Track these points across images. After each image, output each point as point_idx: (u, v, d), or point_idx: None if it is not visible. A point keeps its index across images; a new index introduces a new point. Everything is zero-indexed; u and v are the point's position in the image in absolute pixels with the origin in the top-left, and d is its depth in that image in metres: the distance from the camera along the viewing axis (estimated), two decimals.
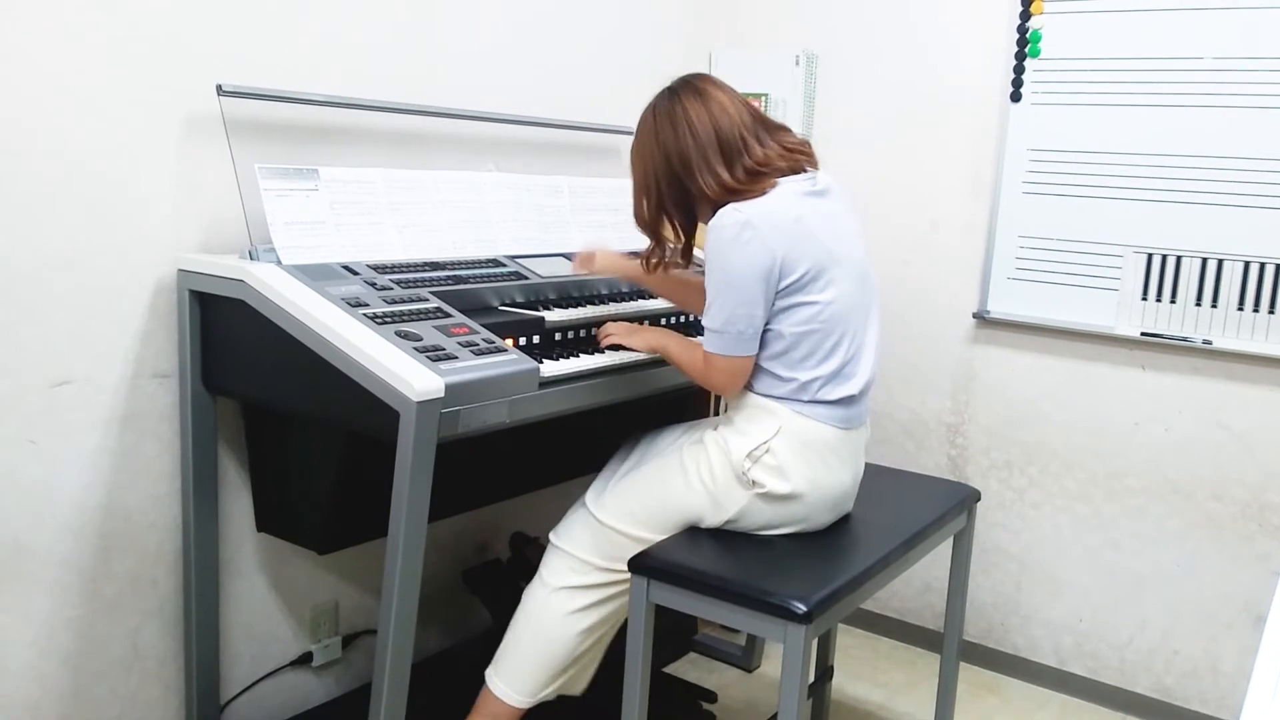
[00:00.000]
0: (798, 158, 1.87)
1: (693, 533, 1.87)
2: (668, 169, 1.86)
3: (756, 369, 1.84)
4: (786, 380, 1.81)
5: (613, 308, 2.13)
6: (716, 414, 2.69)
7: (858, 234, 1.91)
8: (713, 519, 1.86)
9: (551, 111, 2.60)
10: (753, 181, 1.81)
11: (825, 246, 1.79)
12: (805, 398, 1.81)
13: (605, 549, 1.90)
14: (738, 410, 1.88)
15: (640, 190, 1.93)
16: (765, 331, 1.81)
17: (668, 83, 1.92)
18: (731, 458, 1.82)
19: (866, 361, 1.87)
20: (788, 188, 1.81)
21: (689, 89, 1.87)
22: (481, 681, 1.98)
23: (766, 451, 1.81)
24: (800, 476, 1.81)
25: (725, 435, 1.86)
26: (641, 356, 1.96)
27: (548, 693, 1.96)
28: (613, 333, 2.00)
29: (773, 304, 1.78)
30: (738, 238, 1.74)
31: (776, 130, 1.90)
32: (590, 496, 1.99)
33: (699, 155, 1.82)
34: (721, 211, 1.78)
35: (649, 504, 1.89)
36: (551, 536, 1.99)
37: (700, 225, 1.92)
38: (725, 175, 1.81)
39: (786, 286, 1.77)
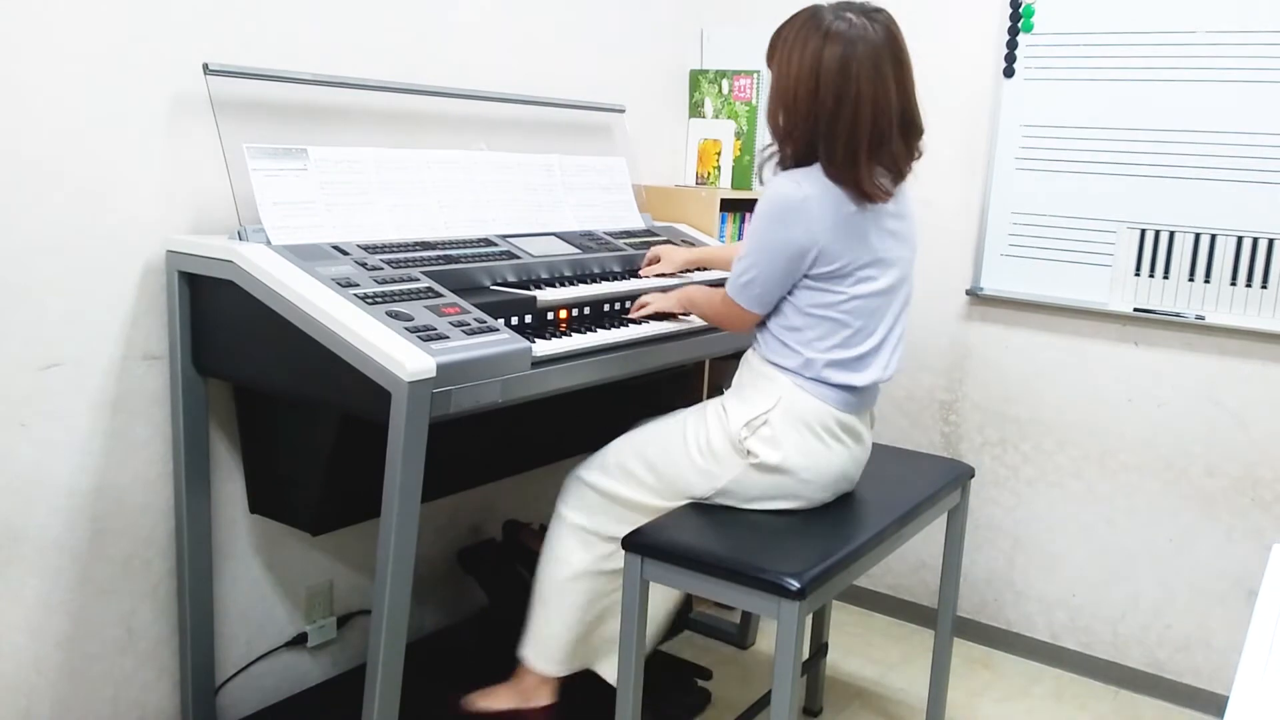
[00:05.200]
0: (906, 169, 1.83)
1: (686, 510, 1.87)
2: (810, 109, 1.73)
3: (768, 334, 1.86)
4: (794, 352, 1.82)
5: (605, 286, 2.12)
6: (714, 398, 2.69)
7: (913, 241, 1.89)
8: (705, 486, 1.86)
9: (543, 90, 2.58)
10: (870, 177, 1.74)
11: (871, 246, 1.78)
12: (808, 374, 1.81)
13: (607, 505, 1.93)
14: (743, 373, 1.90)
15: (784, 99, 1.78)
16: (784, 302, 1.82)
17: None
18: (730, 426, 1.83)
19: (882, 361, 1.86)
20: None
21: (894, 45, 1.77)
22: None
23: (764, 423, 1.81)
24: (794, 451, 1.81)
25: (726, 403, 1.87)
26: (633, 336, 1.96)
27: (577, 662, 1.97)
28: (648, 302, 2.09)
29: (799, 281, 1.79)
30: (785, 215, 1.73)
31: (919, 134, 1.84)
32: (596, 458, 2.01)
33: (852, 128, 1.72)
34: (785, 177, 1.76)
35: (646, 463, 1.91)
36: (580, 469, 2.00)
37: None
38: (861, 165, 1.72)
39: (819, 273, 1.77)
